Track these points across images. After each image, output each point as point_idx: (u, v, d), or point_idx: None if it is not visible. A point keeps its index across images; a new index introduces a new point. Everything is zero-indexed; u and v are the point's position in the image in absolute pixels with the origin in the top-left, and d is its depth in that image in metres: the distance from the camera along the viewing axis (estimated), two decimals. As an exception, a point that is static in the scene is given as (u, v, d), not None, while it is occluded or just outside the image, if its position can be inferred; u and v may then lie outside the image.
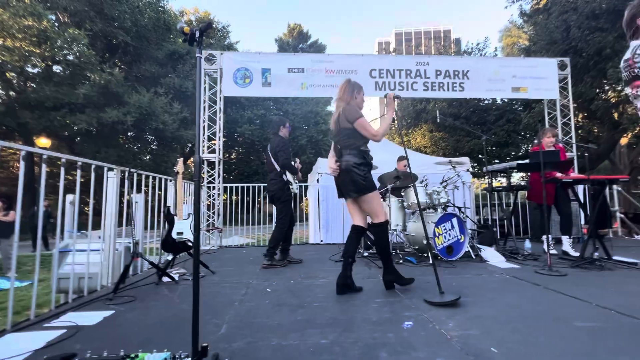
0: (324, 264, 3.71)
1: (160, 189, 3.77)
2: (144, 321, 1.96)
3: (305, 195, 6.99)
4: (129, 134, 17.40)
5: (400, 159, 4.78)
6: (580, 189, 5.31)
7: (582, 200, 4.50)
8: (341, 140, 2.59)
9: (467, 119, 12.87)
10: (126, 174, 2.89)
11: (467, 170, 6.11)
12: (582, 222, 5.28)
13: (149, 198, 3.46)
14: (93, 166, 2.59)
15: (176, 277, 2.79)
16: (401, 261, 3.70)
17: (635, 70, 1.60)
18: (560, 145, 4.37)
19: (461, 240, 3.87)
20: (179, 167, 3.08)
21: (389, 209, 4.11)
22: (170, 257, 3.08)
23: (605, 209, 5.47)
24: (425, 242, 2.95)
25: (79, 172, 2.41)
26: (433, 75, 5.82)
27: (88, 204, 3.49)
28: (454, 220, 3.87)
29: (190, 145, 18.83)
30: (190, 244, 2.98)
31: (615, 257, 3.63)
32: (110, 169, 2.82)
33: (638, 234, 6.54)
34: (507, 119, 12.23)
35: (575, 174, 4.51)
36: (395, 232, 4.21)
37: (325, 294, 2.50)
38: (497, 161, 13.24)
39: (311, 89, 5.52)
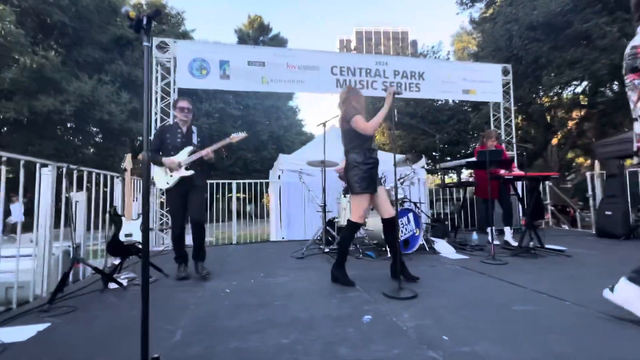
0: (285, 262, 3.69)
1: (106, 186, 3.46)
2: (86, 334, 1.79)
3: (267, 192, 6.88)
4: (69, 125, 15.73)
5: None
6: (519, 184, 5.86)
7: (520, 195, 4.96)
8: (344, 141, 2.70)
9: (422, 118, 13.53)
10: (64, 170, 2.61)
11: (423, 167, 6.43)
12: (521, 214, 5.84)
13: (93, 196, 3.17)
14: (22, 161, 2.29)
15: (124, 282, 2.59)
16: (360, 255, 3.80)
17: (638, 61, 1.58)
18: (502, 145, 4.78)
19: (416, 234, 4.07)
20: (127, 163, 2.85)
21: (349, 205, 4.19)
22: (117, 261, 2.85)
23: (540, 203, 6.12)
24: (383, 236, 3.05)
25: (3, 167, 2.13)
26: (392, 75, 6.01)
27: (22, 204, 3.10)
28: (410, 215, 4.05)
29: (141, 139, 17.54)
30: (140, 246, 2.78)
31: (547, 246, 4.07)
32: (44, 165, 2.52)
33: (565, 224, 7.40)
34: (458, 119, 13.07)
35: (516, 170, 4.97)
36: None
37: (286, 292, 2.48)
38: (449, 158, 14.10)
39: (272, 84, 5.41)
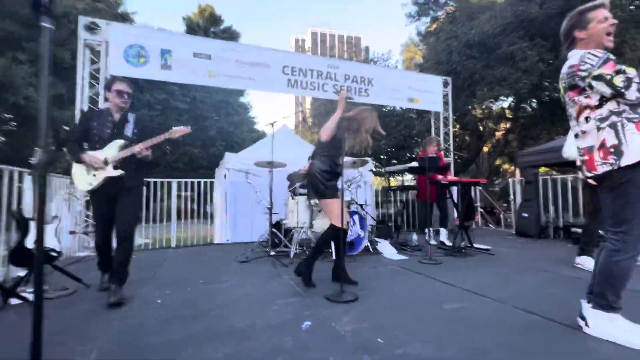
0: (228, 266, 3.52)
1: (11, 184, 2.97)
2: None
3: (212, 192, 6.52)
4: (-28, 108, 13.32)
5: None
6: (454, 189, 6.37)
7: (455, 199, 5.40)
8: (316, 147, 2.77)
9: (372, 122, 14.06)
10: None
11: (370, 170, 6.65)
12: (455, 216, 6.36)
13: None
14: None
15: (30, 297, 2.23)
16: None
17: (576, 79, 1.67)
18: (441, 152, 5.15)
19: (361, 236, 4.18)
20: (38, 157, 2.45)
21: (297, 207, 4.15)
22: (24, 273, 2.45)
23: (471, 205, 6.73)
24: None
25: None
26: (342, 79, 6.13)
27: None
28: (356, 217, 4.15)
29: (68, 129, 15.57)
30: (54, 253, 2.42)
31: (476, 245, 4.48)
32: None
33: (492, 224, 8.24)
34: (404, 125, 13.83)
35: (451, 176, 5.38)
36: (302, 230, 4.29)
37: (226, 299, 2.36)
38: (395, 162, 14.85)
39: (219, 78, 5.14)
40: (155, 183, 5.06)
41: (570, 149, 3.44)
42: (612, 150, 1.60)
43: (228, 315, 2.05)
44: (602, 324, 1.66)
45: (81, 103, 4.47)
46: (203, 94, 19.48)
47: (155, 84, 17.23)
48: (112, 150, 2.39)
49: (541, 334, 1.73)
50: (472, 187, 5.98)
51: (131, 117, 2.54)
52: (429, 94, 7.06)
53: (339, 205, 2.59)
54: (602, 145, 1.64)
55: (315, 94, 5.99)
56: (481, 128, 12.74)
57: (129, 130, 2.49)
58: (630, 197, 1.59)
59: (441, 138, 7.35)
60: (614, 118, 1.60)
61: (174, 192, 5.09)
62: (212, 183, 5.56)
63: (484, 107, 11.57)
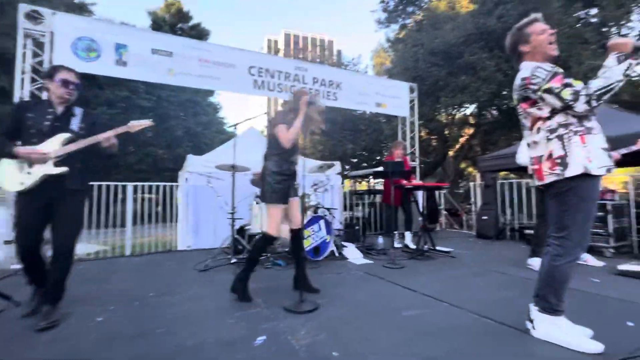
0: (185, 276, 3.33)
1: None
2: None
3: (175, 195, 6.19)
4: None
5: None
6: (419, 192, 6.53)
7: (419, 202, 5.53)
8: (267, 146, 2.59)
9: (342, 125, 14.18)
10: None
11: (338, 173, 6.65)
12: (420, 219, 6.53)
13: None
14: None
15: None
16: (269, 264, 3.68)
17: (528, 91, 1.72)
18: (407, 156, 5.25)
19: (327, 241, 4.14)
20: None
21: (261, 212, 4.03)
22: None
23: (435, 208, 6.94)
24: (290, 246, 2.98)
25: None
26: (311, 81, 6.08)
27: None
28: (322, 222, 4.10)
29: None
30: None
31: (438, 248, 4.59)
32: None
33: (455, 226, 8.57)
34: (374, 129, 14.08)
35: (416, 180, 5.50)
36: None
37: (177, 314, 2.20)
38: (365, 164, 15.07)
39: (180, 77, 4.89)
40: (108, 187, 4.71)
41: (522, 155, 3.63)
42: (558, 161, 1.67)
43: (177, 332, 1.90)
44: (546, 327, 1.72)
45: (20, 99, 4.05)
46: (169, 93, 18.64)
47: (116, 80, 16.22)
48: (54, 145, 2.07)
49: (492, 338, 1.77)
50: (437, 191, 6.17)
51: (78, 110, 2.25)
52: (396, 99, 7.21)
53: (279, 213, 2.48)
54: (550, 156, 1.70)
55: (283, 96, 5.88)
56: (446, 133, 13.27)
57: (74, 124, 2.18)
58: (572, 205, 1.67)
59: (407, 142, 7.53)
60: (561, 130, 1.67)
61: (130, 195, 4.75)
62: (170, 187, 5.26)
63: (447, 113, 12.06)
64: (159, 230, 5.54)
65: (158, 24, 21.13)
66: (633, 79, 10.77)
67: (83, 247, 4.98)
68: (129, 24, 11.58)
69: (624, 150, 2.99)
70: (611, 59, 1.54)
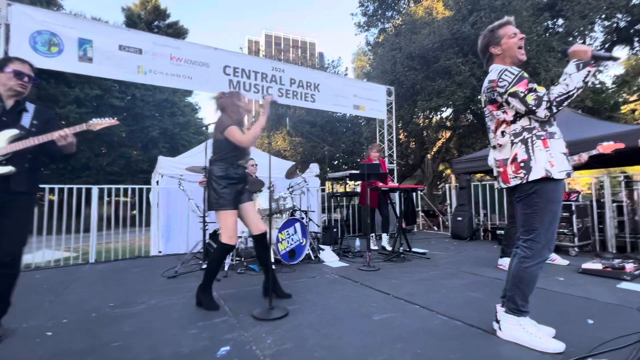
0: (152, 284, 3.16)
1: None
2: None
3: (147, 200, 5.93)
4: None
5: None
6: (397, 194, 6.59)
7: (396, 203, 5.57)
8: (212, 151, 2.47)
9: (322, 127, 14.18)
10: None
11: (317, 175, 6.60)
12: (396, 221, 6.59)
13: None
14: None
15: None
16: (242, 270, 3.57)
17: (495, 94, 1.73)
18: (382, 158, 5.28)
19: (303, 244, 4.08)
20: None
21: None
22: None
23: (412, 209, 7.03)
24: (255, 253, 2.87)
25: None
26: (288, 82, 6.01)
27: None
28: (297, 225, 4.04)
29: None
30: None
31: (414, 249, 4.63)
32: None
33: (433, 227, 8.72)
34: (353, 131, 14.16)
35: (392, 182, 5.53)
36: (240, 240, 4.06)
37: (136, 326, 2.06)
38: (345, 167, 15.13)
39: (151, 75, 4.69)
40: (71, 190, 4.43)
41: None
42: (522, 164, 1.69)
43: (132, 345, 1.78)
44: (512, 328, 1.73)
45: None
46: (144, 92, 18.01)
47: (86, 77, 15.52)
48: (0, 141, 1.89)
49: (460, 341, 1.76)
50: (412, 193, 6.24)
51: (31, 106, 2.07)
52: (374, 102, 7.26)
53: (230, 218, 2.35)
54: (515, 159, 1.72)
55: (259, 97, 5.78)
56: (424, 135, 13.54)
57: (25, 120, 2.00)
58: (538, 207, 1.69)
59: (385, 145, 7.60)
60: (525, 134, 1.70)
61: (95, 199, 4.50)
62: (140, 189, 5.03)
63: (425, 116, 12.30)
64: (135, 235, 5.27)
65: (133, 21, 20.41)
66: (596, 86, 11.42)
67: (46, 255, 4.67)
68: (85, 17, 11.00)
69: (585, 155, 3.12)
70: (571, 66, 1.57)
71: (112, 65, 4.44)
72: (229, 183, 2.37)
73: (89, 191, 4.50)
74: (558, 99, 1.57)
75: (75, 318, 2.22)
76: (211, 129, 3.64)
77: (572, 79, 1.55)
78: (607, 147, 3.20)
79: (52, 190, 4.36)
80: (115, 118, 2.23)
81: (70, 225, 4.32)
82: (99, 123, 2.14)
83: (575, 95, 1.56)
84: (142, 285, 3.09)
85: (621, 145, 3.24)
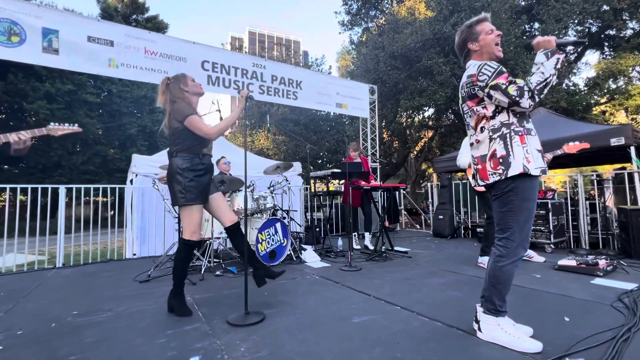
0: (122, 289, 2.99)
1: None
2: None
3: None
4: None
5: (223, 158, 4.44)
6: (379, 193, 6.58)
7: (378, 202, 5.56)
8: (171, 142, 2.28)
9: (306, 126, 14.07)
10: None
11: (300, 174, 6.51)
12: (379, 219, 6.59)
13: None
14: None
15: None
16: (219, 272, 3.44)
17: (475, 89, 1.69)
18: (365, 157, 5.25)
19: (284, 244, 3.98)
20: None
21: (211, 216, 3.77)
22: None
23: (395, 208, 7.06)
24: (232, 246, 2.75)
25: None
26: (269, 79, 5.88)
27: None
28: (278, 225, 3.94)
29: None
30: None
31: (396, 248, 4.63)
32: None
33: (416, 225, 8.80)
34: (337, 130, 14.13)
35: (374, 182, 5.51)
36: (218, 241, 3.93)
37: (99, 336, 1.92)
38: (330, 165, 15.09)
39: (123, 69, 4.46)
40: (35, 190, 4.16)
41: (464, 157, 3.72)
42: (501, 160, 1.67)
43: (91, 358, 1.64)
44: (491, 329, 1.71)
45: None
46: (122, 88, 17.32)
47: (58, 71, 14.75)
48: None
49: (440, 342, 1.72)
50: (394, 191, 6.25)
51: None
52: (357, 100, 7.23)
53: (197, 214, 2.21)
54: (493, 156, 1.70)
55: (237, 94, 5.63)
56: (407, 135, 13.67)
57: None
58: (513, 205, 1.67)
59: (368, 144, 7.59)
60: (504, 130, 1.67)
61: (62, 200, 4.24)
62: (114, 189, 4.79)
63: (407, 115, 12.42)
64: (108, 238, 5.00)
65: (109, 14, 19.59)
66: (570, 87, 11.85)
67: (10, 259, 4.37)
68: (50, 6, 10.40)
69: (549, 155, 3.18)
70: (540, 56, 1.60)
71: (81, 58, 4.19)
72: (196, 175, 2.22)
73: (55, 191, 4.23)
74: (538, 87, 1.57)
75: (32, 328, 2.04)
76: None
77: (545, 67, 1.57)
78: (572, 147, 3.27)
79: (24, 190, 4.07)
80: (76, 126, 2.17)
81: (35, 227, 4.04)
82: (60, 129, 2.07)
83: (552, 82, 1.58)
84: (111, 291, 2.91)
85: (586, 145, 3.32)
